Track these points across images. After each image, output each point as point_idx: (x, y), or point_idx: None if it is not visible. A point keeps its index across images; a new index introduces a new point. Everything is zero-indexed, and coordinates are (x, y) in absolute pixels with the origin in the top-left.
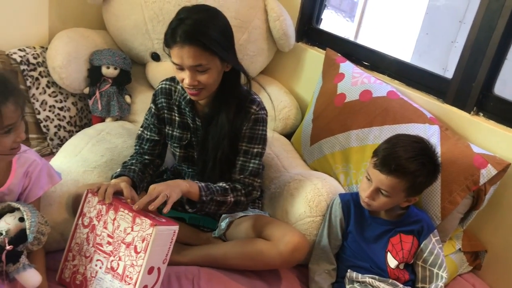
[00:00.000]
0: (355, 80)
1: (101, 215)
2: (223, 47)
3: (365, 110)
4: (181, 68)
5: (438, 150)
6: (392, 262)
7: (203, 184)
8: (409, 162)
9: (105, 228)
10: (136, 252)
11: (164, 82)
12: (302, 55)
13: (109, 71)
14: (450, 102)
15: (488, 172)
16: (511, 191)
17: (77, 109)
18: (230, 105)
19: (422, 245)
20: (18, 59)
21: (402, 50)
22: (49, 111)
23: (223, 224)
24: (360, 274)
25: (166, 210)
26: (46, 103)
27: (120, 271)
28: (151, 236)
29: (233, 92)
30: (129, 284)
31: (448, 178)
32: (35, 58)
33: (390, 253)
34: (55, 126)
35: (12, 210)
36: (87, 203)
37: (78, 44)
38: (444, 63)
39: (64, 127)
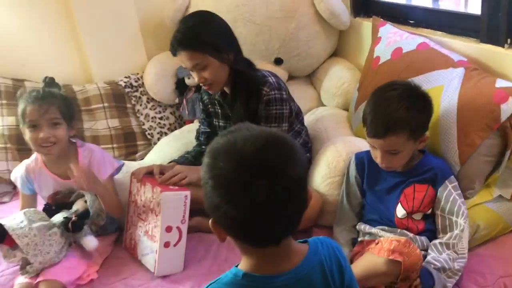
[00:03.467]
0: (389, 40)
1: (138, 191)
2: (213, 45)
3: (393, 68)
4: (190, 69)
5: (457, 93)
6: (400, 212)
7: None
8: (394, 114)
9: (141, 200)
10: (156, 215)
11: None
12: (361, 29)
13: (190, 80)
14: (484, 40)
15: (509, 106)
16: None
17: (175, 117)
18: (242, 91)
19: (438, 193)
20: (123, 84)
21: None
22: (152, 121)
23: None
24: (368, 226)
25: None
26: (148, 116)
27: (150, 232)
28: (161, 200)
29: (242, 79)
30: (155, 241)
31: (464, 120)
32: (136, 81)
33: (401, 203)
34: (158, 133)
35: (82, 195)
36: (132, 183)
37: (165, 64)
38: None
39: (166, 133)
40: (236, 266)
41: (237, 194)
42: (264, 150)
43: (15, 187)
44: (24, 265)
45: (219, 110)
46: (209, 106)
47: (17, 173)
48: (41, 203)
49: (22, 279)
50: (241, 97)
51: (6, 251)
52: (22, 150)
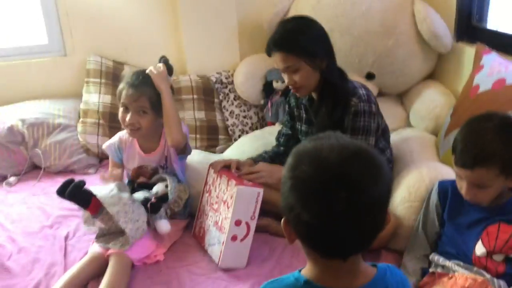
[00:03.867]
0: (492, 70)
1: (214, 182)
2: (308, 50)
3: (493, 99)
4: (282, 71)
5: None
6: (479, 250)
7: None
8: (488, 146)
9: (215, 191)
10: (227, 207)
11: None
12: (462, 54)
13: (278, 84)
14: None
15: None
16: None
17: (258, 117)
18: (329, 99)
19: None
20: (214, 79)
21: None
22: (236, 118)
23: None
24: (442, 258)
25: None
26: (233, 112)
27: (219, 223)
28: (235, 193)
29: (331, 88)
30: (223, 233)
31: None
32: (226, 78)
33: (482, 241)
34: (240, 130)
35: (163, 179)
36: (209, 174)
37: (256, 66)
38: None
39: (247, 131)
40: (300, 271)
41: (313, 200)
42: (349, 162)
43: (101, 160)
44: (101, 234)
45: (304, 115)
46: (295, 109)
47: (111, 141)
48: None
49: (95, 248)
50: (327, 105)
51: (87, 217)
52: (113, 127)
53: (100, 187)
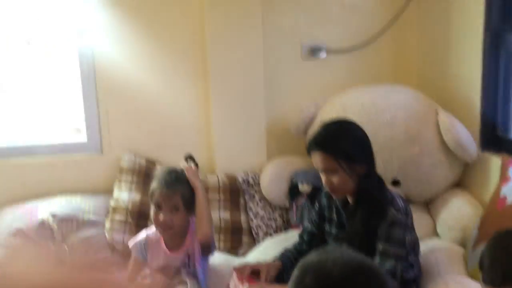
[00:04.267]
0: None
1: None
2: (347, 154)
3: None
4: (320, 171)
5: None
6: None
7: None
8: None
9: None
10: None
11: None
12: (488, 164)
13: (303, 187)
14: None
15: None
16: None
17: (283, 220)
18: (366, 205)
19: None
20: (241, 180)
21: None
22: (261, 220)
23: None
24: None
25: None
26: (258, 214)
27: None
28: None
29: (369, 194)
30: None
31: None
32: (253, 179)
33: None
34: (264, 233)
35: (184, 283)
36: (232, 278)
37: (282, 168)
38: None
39: (271, 234)
40: None
41: None
42: (352, 276)
43: (125, 258)
44: None
45: (335, 217)
46: (326, 209)
47: (137, 239)
48: None
49: None
50: (363, 211)
51: None
52: (140, 226)
53: None
